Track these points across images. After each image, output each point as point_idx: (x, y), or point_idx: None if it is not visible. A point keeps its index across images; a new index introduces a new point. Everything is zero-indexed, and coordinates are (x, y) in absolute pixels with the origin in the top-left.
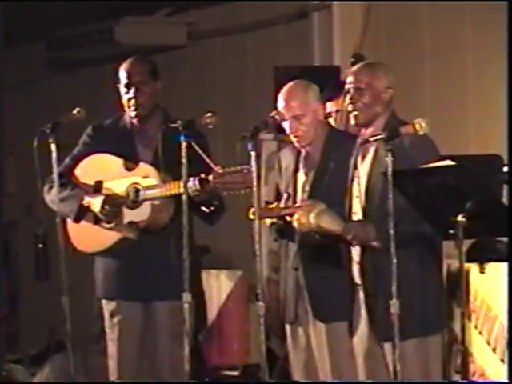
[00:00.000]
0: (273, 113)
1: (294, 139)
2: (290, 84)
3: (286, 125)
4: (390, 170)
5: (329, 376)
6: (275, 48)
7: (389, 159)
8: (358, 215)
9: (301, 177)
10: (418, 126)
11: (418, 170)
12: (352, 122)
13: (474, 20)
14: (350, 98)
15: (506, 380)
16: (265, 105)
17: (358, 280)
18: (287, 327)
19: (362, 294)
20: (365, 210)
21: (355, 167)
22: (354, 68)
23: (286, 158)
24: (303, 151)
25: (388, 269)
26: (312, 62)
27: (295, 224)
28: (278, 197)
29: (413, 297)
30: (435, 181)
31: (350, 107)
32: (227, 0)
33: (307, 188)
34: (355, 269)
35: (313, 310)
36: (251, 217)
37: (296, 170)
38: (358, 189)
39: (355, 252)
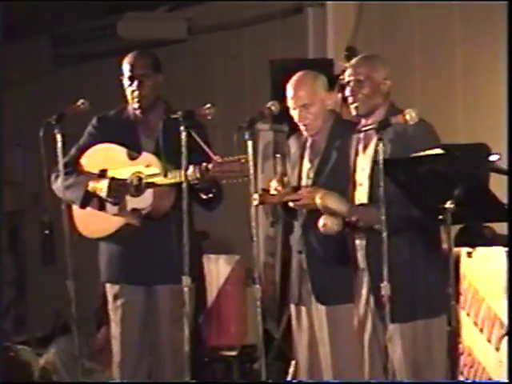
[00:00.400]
0: (269, 104)
1: (302, 127)
2: (299, 74)
3: (294, 113)
4: (380, 158)
5: (328, 356)
6: (271, 42)
7: (380, 148)
8: (361, 201)
9: (306, 164)
10: (408, 116)
11: (409, 158)
12: (353, 112)
13: (462, 15)
14: (351, 91)
15: (505, 380)
16: (261, 96)
17: (362, 265)
18: (292, 307)
19: (366, 278)
20: (370, 197)
21: (356, 155)
22: (353, 61)
23: (293, 145)
24: (309, 139)
25: (391, 253)
26: (306, 55)
27: (321, 230)
28: (283, 182)
29: (417, 280)
30: (425, 169)
31: (350, 99)
32: None
33: (311, 175)
34: (360, 254)
35: (314, 293)
36: (255, 203)
37: (302, 157)
38: (361, 177)
39: (359, 238)
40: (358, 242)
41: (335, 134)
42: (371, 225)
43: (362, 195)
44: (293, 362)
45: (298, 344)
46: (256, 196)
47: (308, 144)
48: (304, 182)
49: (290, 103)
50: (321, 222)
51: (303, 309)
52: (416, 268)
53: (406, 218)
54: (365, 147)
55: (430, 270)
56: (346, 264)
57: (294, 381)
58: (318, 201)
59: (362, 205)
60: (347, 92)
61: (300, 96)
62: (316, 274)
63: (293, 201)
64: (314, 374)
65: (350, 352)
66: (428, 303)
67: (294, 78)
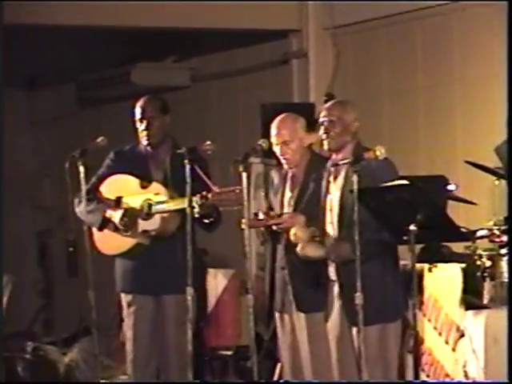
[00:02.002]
0: (260, 141)
1: (283, 161)
2: (282, 115)
3: (276, 149)
4: (355, 187)
5: (308, 356)
6: (262, 88)
7: (354, 179)
8: (331, 225)
9: (287, 193)
10: (378, 152)
11: (378, 188)
12: (325, 147)
13: (424, 64)
14: (324, 129)
15: (505, 380)
16: (253, 135)
17: (333, 277)
18: (276, 315)
19: (336, 289)
20: (339, 221)
21: (327, 185)
22: (328, 104)
23: (276, 177)
24: (290, 172)
25: (358, 268)
26: (292, 99)
27: (292, 238)
28: (268, 210)
29: (377, 291)
30: (392, 196)
31: (323, 136)
32: (223, 50)
33: (292, 203)
34: (331, 268)
35: (295, 303)
36: (243, 226)
37: (283, 188)
38: (331, 203)
39: None
40: None
41: (312, 167)
42: (348, 259)
43: (332, 218)
44: (279, 365)
45: (282, 346)
46: (244, 221)
47: (289, 176)
48: (286, 208)
49: (273, 140)
50: (292, 231)
51: (286, 316)
52: (379, 280)
53: (378, 241)
54: (335, 178)
55: (391, 281)
56: (321, 277)
57: (295, 380)
58: (298, 251)
59: (337, 243)
60: (321, 130)
61: (282, 134)
62: (296, 287)
63: (276, 224)
64: (296, 372)
65: (327, 352)
66: (386, 310)
67: (278, 118)
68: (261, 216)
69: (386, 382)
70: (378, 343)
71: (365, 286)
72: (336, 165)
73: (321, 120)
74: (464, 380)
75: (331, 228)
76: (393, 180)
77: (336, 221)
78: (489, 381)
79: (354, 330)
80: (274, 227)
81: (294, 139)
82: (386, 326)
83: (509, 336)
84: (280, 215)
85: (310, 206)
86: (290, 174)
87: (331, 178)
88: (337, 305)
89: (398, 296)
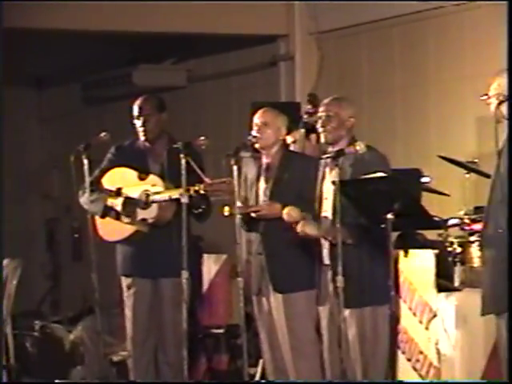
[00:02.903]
0: (249, 136)
1: (257, 143)
2: (269, 107)
3: (254, 130)
4: (337, 179)
5: (285, 333)
6: (252, 88)
7: (336, 171)
8: (327, 212)
9: (262, 184)
10: (358, 147)
11: (359, 179)
12: (322, 140)
13: (401, 67)
14: (322, 123)
15: (505, 380)
16: (244, 131)
17: (326, 261)
18: (254, 298)
19: (329, 273)
20: (334, 208)
21: (323, 176)
22: (326, 100)
23: (250, 170)
24: (264, 164)
25: (349, 255)
26: (279, 99)
27: (285, 217)
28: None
29: (369, 275)
30: (371, 188)
31: (321, 129)
32: (217, 53)
33: (267, 193)
34: (325, 253)
35: (272, 285)
36: (225, 213)
37: (258, 179)
38: (327, 193)
39: (325, 242)
40: (323, 242)
41: (285, 161)
42: (343, 241)
43: (327, 206)
44: None
45: (260, 328)
46: (226, 208)
47: (263, 168)
48: (261, 198)
49: (254, 122)
50: (285, 211)
51: (263, 299)
52: (370, 265)
53: (365, 228)
54: (330, 170)
55: (381, 266)
56: (297, 260)
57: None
58: (298, 228)
59: (333, 225)
60: (319, 124)
61: (263, 116)
62: (273, 270)
63: (254, 212)
64: (274, 351)
65: (303, 330)
66: (376, 293)
67: (264, 108)
68: (238, 204)
69: (387, 382)
70: (371, 324)
71: (357, 271)
72: (322, 158)
73: (319, 115)
74: (435, 360)
75: (327, 215)
76: (384, 171)
77: (331, 208)
78: (490, 381)
79: (347, 312)
80: (253, 214)
81: (273, 125)
82: (377, 308)
83: (509, 336)
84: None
85: (285, 196)
86: (264, 167)
87: (327, 170)
88: (330, 288)
89: (386, 280)
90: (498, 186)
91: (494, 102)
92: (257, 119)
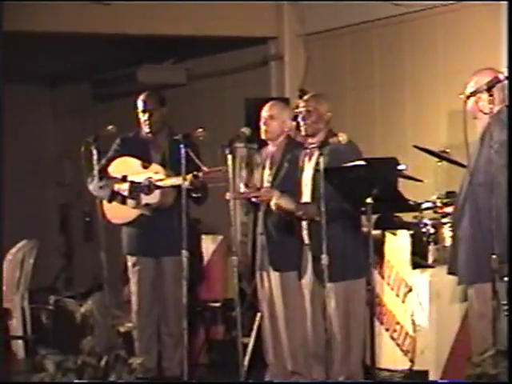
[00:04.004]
0: (243, 129)
1: (263, 133)
2: (276, 101)
3: (263, 123)
4: (322, 166)
5: (282, 307)
6: (246, 86)
7: (321, 160)
8: (306, 197)
9: (266, 171)
10: (341, 138)
11: (341, 167)
12: (302, 133)
13: (380, 66)
14: (302, 117)
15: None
16: (238, 124)
17: (306, 241)
18: (257, 273)
19: (309, 252)
20: (312, 193)
21: (303, 164)
22: (305, 97)
23: (258, 158)
24: (269, 153)
25: (328, 234)
26: (270, 95)
27: (273, 207)
28: (248, 185)
29: (344, 252)
30: (352, 174)
31: (302, 123)
32: (213, 53)
33: (270, 179)
34: (305, 234)
35: (271, 263)
36: (227, 197)
37: (263, 167)
38: (307, 180)
39: (304, 223)
40: (303, 224)
41: (288, 150)
42: (312, 217)
43: (307, 192)
44: (259, 314)
45: (261, 299)
46: (229, 194)
47: (268, 157)
48: (265, 184)
49: (262, 115)
50: (273, 201)
51: (264, 274)
52: (345, 243)
53: (341, 209)
54: (309, 159)
55: (355, 245)
56: (293, 241)
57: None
58: (274, 201)
59: (305, 203)
60: (300, 118)
61: (270, 109)
62: (272, 249)
63: (255, 197)
64: (273, 321)
65: (297, 304)
66: (353, 268)
67: (271, 102)
68: (242, 189)
69: (390, 382)
70: (347, 297)
71: (337, 248)
72: (307, 148)
73: (299, 110)
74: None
75: (306, 200)
76: (356, 160)
77: (309, 194)
78: (490, 380)
79: (328, 286)
80: (254, 199)
81: (278, 118)
82: (353, 282)
83: (509, 336)
84: (259, 189)
85: (284, 182)
86: (269, 155)
87: (306, 159)
88: (310, 265)
89: (361, 257)
90: (481, 171)
91: (470, 99)
92: (264, 112)
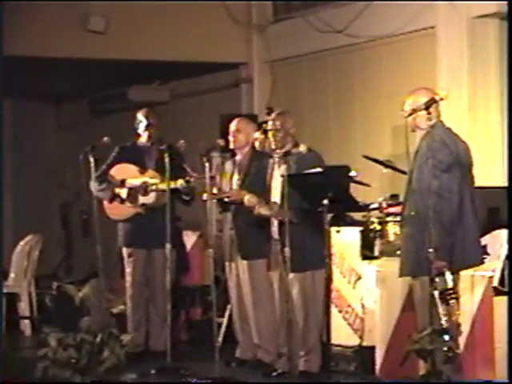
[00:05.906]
0: (218, 140)
1: (232, 144)
2: (242, 117)
3: (231, 135)
4: (285, 173)
5: (249, 293)
6: (220, 104)
7: (283, 167)
8: (276, 198)
9: (235, 177)
10: (301, 149)
11: (302, 173)
12: (273, 146)
13: (334, 88)
14: (272, 134)
15: (506, 380)
16: (214, 136)
17: (276, 236)
18: (226, 264)
19: (278, 245)
20: (282, 196)
21: (272, 172)
22: (273, 115)
23: (229, 166)
24: (238, 160)
25: (293, 231)
26: (241, 111)
27: (246, 203)
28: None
29: (308, 246)
30: (311, 180)
31: (271, 138)
32: (193, 76)
33: (238, 183)
34: (274, 229)
35: (240, 253)
36: (204, 198)
37: (233, 173)
38: (276, 184)
39: (275, 222)
40: (273, 220)
41: (254, 158)
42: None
43: (276, 195)
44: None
45: (231, 288)
46: (205, 195)
47: (237, 164)
48: (234, 186)
49: (230, 129)
50: (246, 198)
51: (233, 264)
52: (309, 238)
53: (304, 210)
54: (278, 166)
55: (318, 239)
56: (259, 234)
57: None
58: (255, 210)
59: (276, 203)
60: (270, 135)
61: (237, 124)
62: (241, 242)
63: (227, 197)
64: (241, 305)
65: (262, 288)
66: (313, 261)
67: (238, 118)
68: (215, 191)
69: (392, 382)
70: (310, 284)
71: (299, 243)
72: (273, 157)
73: (269, 128)
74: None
75: (275, 200)
76: (319, 166)
77: (279, 197)
78: (490, 380)
79: (291, 275)
80: (226, 199)
81: (245, 130)
82: (315, 272)
83: (509, 335)
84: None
85: (251, 185)
86: (237, 163)
87: (276, 166)
88: (278, 257)
89: (322, 250)
90: (414, 179)
91: (410, 116)
92: (232, 126)
